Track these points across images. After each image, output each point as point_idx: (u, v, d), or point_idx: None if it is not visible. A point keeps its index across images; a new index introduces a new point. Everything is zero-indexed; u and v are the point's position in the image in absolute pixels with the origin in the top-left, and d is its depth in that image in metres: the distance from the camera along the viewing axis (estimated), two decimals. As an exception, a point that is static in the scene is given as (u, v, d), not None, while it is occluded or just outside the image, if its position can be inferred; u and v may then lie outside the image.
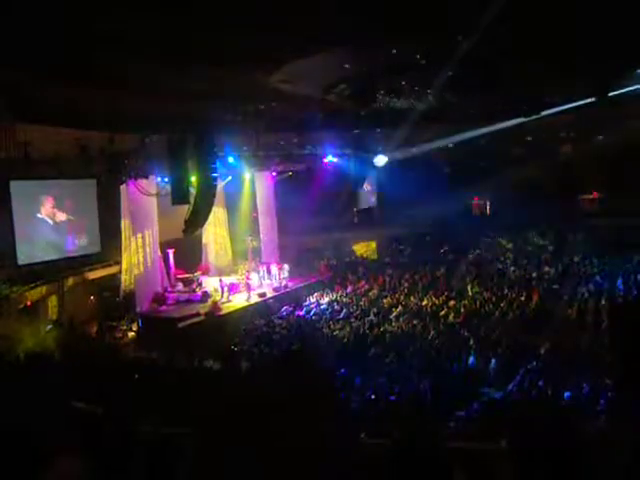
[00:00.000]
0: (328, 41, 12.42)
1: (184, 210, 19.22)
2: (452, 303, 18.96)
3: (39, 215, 18.57)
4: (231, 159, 22.52)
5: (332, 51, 13.33)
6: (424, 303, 19.43)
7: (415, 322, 17.27)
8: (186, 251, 23.26)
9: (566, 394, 10.37)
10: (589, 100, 18.90)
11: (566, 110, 20.04)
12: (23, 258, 17.78)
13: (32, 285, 17.02)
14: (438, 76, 15.66)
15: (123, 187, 19.72)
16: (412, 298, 20.22)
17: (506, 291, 20.01)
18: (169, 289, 22.09)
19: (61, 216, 19.24)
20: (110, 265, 20.66)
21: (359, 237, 30.48)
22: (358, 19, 10.92)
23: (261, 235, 26.19)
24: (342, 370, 12.81)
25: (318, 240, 28.71)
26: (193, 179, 19.04)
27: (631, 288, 18.97)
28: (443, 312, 18.11)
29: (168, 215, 20.83)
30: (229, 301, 20.89)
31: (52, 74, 13.38)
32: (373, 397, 11.22)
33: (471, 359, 13.49)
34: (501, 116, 21.27)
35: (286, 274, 23.45)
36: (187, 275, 22.75)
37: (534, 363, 12.64)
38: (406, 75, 16.16)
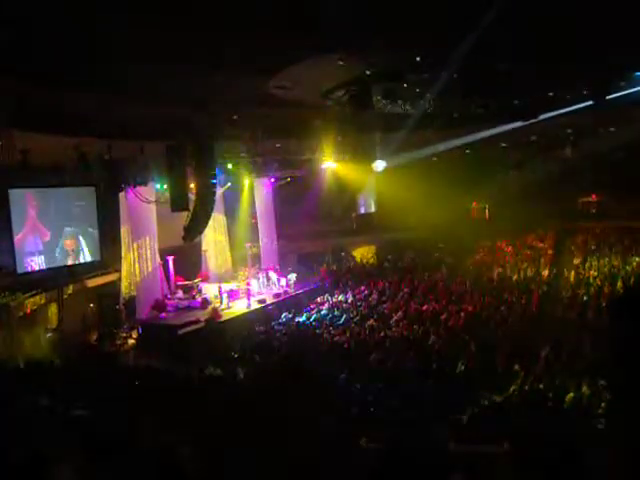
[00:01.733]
0: (326, 45, 12.46)
1: (183, 217, 19.24)
2: (452, 307, 18.94)
3: (36, 224, 18.50)
4: (230, 165, 22.58)
5: (330, 55, 13.37)
6: (424, 308, 19.41)
7: (415, 327, 17.24)
8: (186, 258, 23.25)
9: (566, 397, 10.37)
10: (588, 103, 18.94)
11: (565, 113, 20.08)
12: (22, 266, 17.76)
13: (31, 293, 17.00)
14: (436, 80, 15.71)
15: (122, 194, 19.74)
16: (412, 303, 20.19)
17: (506, 295, 20.01)
18: (169, 296, 22.06)
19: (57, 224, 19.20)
20: (110, 273, 20.63)
21: (358, 242, 30.50)
22: (357, 22, 10.95)
23: (260, 241, 26.21)
24: (342, 375, 12.81)
25: (317, 245, 28.75)
26: (192, 186, 19.06)
27: (631, 290, 18.95)
28: (443, 317, 18.08)
29: (167, 222, 20.84)
30: (229, 308, 20.84)
31: (51, 81, 13.42)
32: (373, 402, 11.20)
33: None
34: (500, 120, 21.29)
35: (292, 282, 23.47)
36: (187, 282, 22.73)
37: (534, 366, 12.63)
38: (404, 79, 16.21)
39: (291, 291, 23.05)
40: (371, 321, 18.36)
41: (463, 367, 13.38)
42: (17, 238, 17.63)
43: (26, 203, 18.09)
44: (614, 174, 25.76)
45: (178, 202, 18.84)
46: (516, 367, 12.56)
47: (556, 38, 12.93)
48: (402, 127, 20.40)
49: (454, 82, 15.63)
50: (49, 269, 18.61)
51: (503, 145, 25.70)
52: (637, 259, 22.61)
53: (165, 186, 20.34)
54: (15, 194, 17.60)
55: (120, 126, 16.84)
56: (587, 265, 23.17)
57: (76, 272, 19.34)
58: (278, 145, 23.50)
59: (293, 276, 23.76)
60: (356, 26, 11.28)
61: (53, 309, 18.27)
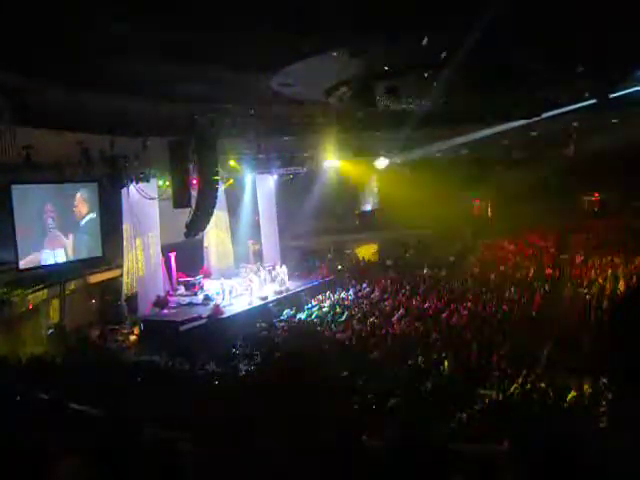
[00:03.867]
0: (329, 41, 12.42)
1: (185, 213, 19.26)
2: (454, 305, 18.93)
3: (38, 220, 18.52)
4: (232, 162, 22.58)
5: (333, 52, 13.33)
6: (426, 305, 19.41)
7: (417, 324, 17.25)
8: (188, 254, 23.29)
9: (568, 396, 10.37)
10: (591, 102, 18.87)
11: (568, 112, 20.01)
12: (24, 262, 17.77)
13: (34, 289, 17.03)
14: (439, 77, 15.64)
15: (124, 190, 19.75)
16: (414, 301, 20.19)
17: (508, 293, 20.00)
18: (171, 292, 22.13)
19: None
20: (112, 269, 20.67)
21: (360, 240, 30.51)
22: (359, 17, 10.91)
23: (262, 238, 26.21)
24: (344, 373, 12.81)
25: (319, 243, 28.78)
26: (194, 182, 19.07)
27: (631, 289, 18.93)
28: (445, 314, 18.07)
29: (169, 218, 20.86)
30: (231, 304, 20.88)
31: (53, 77, 13.41)
32: (374, 399, 11.21)
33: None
34: (503, 118, 21.23)
35: (286, 275, 23.40)
36: (189, 278, 22.79)
37: (536, 365, 12.63)
38: (407, 76, 16.15)
39: (292, 288, 23.03)
40: (373, 318, 18.36)
41: (464, 365, 13.38)
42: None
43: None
44: (617, 173, 25.70)
45: (180, 199, 18.87)
46: (517, 366, 12.55)
47: (560, 37, 12.90)
48: (405, 124, 20.32)
49: (457, 80, 15.57)
50: (51, 264, 18.62)
51: (506, 143, 25.62)
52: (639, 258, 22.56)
53: (167, 182, 20.37)
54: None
55: (123, 122, 16.83)
56: (589, 264, 23.14)
57: (78, 268, 19.35)
58: (281, 141, 23.47)
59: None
60: (358, 24, 11.26)
61: (55, 305, 18.30)
